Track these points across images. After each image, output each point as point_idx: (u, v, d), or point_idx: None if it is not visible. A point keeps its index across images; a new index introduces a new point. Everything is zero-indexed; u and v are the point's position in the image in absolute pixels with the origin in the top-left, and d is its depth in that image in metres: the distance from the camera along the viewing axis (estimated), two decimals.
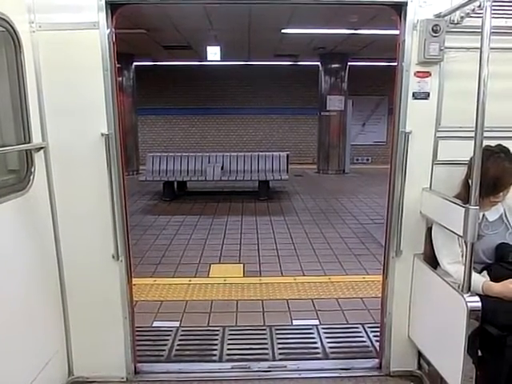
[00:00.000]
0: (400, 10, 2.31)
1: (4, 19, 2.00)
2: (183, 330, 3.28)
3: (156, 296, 3.91)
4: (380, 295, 2.76)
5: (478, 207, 1.86)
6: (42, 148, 2.30)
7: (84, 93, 2.32)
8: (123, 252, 2.48)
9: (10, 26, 2.05)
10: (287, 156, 9.00)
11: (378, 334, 2.80)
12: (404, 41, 2.31)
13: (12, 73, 2.13)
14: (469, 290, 1.95)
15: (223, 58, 9.79)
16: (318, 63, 12.12)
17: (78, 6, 2.23)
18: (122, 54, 10.35)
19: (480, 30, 1.76)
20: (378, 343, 2.84)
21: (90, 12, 2.23)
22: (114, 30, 2.32)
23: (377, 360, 2.79)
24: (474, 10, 2.01)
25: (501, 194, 2.18)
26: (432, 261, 2.41)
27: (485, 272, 2.21)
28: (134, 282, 2.72)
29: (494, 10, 1.83)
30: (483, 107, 1.78)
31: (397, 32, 2.38)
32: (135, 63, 12.10)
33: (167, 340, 3.11)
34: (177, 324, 3.39)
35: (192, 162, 8.89)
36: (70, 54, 2.27)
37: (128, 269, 2.56)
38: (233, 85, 14.06)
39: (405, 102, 2.35)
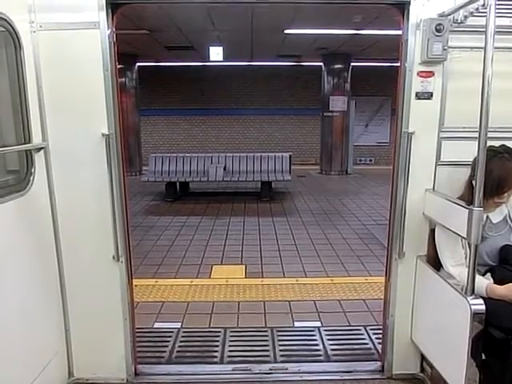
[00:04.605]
0: (403, 9, 2.29)
1: (4, 19, 1.99)
2: (184, 332, 3.26)
3: (157, 297, 3.90)
4: (382, 297, 2.74)
5: (481, 208, 1.84)
6: (42, 148, 2.29)
7: (85, 93, 2.31)
8: (124, 253, 2.46)
9: (10, 25, 2.05)
10: (290, 157, 8.98)
11: (381, 336, 2.78)
12: (407, 40, 2.29)
13: (12, 73, 2.13)
14: (472, 292, 1.93)
15: (226, 58, 9.78)
16: (321, 64, 12.10)
17: (79, 5, 2.22)
18: (125, 54, 10.39)
19: (484, 30, 1.74)
20: (380, 346, 2.81)
21: (90, 12, 2.22)
22: (114, 29, 2.31)
23: (379, 363, 2.76)
24: (477, 8, 1.98)
25: (505, 194, 2.15)
26: (435, 263, 2.38)
27: (488, 274, 2.19)
28: (135, 283, 2.71)
29: (499, 9, 1.81)
30: (487, 107, 1.76)
31: (400, 32, 2.36)
32: (138, 64, 12.11)
33: (168, 341, 3.09)
34: (178, 325, 3.37)
35: (194, 163, 8.88)
36: (71, 53, 2.26)
37: (128, 270, 2.54)
38: (235, 85, 14.06)
39: (408, 102, 2.33)
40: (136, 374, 2.68)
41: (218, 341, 3.11)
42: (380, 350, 2.80)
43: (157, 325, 3.40)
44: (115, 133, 2.34)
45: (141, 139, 12.87)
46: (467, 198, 2.14)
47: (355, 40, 9.23)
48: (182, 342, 3.11)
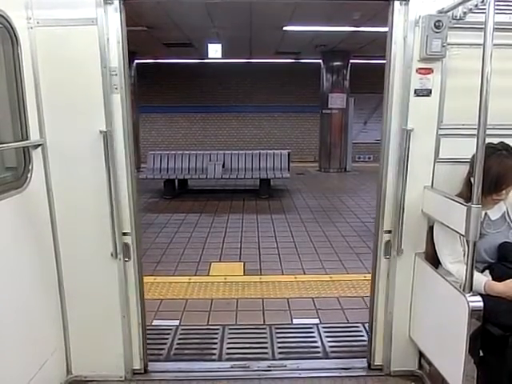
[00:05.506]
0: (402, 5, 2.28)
1: (1, 15, 1.98)
2: (183, 329, 3.26)
3: (156, 294, 3.90)
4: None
5: (480, 206, 1.83)
6: (39, 145, 2.28)
7: (82, 89, 2.30)
8: (122, 250, 2.46)
9: (8, 22, 2.04)
10: (288, 154, 8.98)
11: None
12: (406, 37, 2.28)
13: (9, 69, 2.12)
14: (470, 289, 1.92)
15: (224, 55, 9.76)
16: (320, 61, 12.09)
17: (76, 2, 2.21)
18: None
19: (483, 26, 1.74)
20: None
21: (88, 8, 2.20)
22: None
23: None
24: (476, 5, 1.98)
25: (503, 191, 2.15)
26: (433, 260, 2.38)
27: (487, 271, 2.19)
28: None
29: (498, 5, 1.81)
30: (486, 104, 1.75)
31: None
32: (136, 61, 12.07)
33: (167, 339, 3.09)
34: (176, 322, 3.37)
35: (193, 160, 8.87)
36: (69, 50, 2.25)
37: (127, 267, 2.53)
38: (234, 82, 14.03)
39: (406, 99, 2.33)
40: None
41: (216, 338, 3.11)
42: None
43: (155, 322, 3.39)
44: (113, 130, 2.33)
45: (139, 137, 12.84)
46: (466, 195, 2.14)
47: (354, 37, 9.22)
48: (180, 339, 3.11)
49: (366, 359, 2.76)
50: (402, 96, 2.34)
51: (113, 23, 2.25)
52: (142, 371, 2.66)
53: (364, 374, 2.69)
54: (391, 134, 2.41)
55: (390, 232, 2.52)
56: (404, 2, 2.26)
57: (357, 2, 5.81)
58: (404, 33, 2.28)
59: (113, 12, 2.24)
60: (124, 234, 2.46)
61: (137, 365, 2.64)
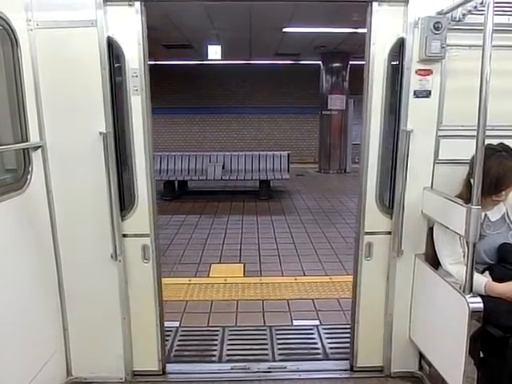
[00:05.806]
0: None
1: (1, 17, 1.99)
2: (183, 330, 3.26)
3: None
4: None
5: (479, 207, 1.84)
6: (39, 147, 2.29)
7: (82, 91, 2.30)
8: (121, 252, 2.46)
9: (7, 23, 2.04)
10: (288, 155, 8.99)
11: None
12: (405, 38, 2.28)
13: (9, 71, 2.12)
14: (470, 290, 1.93)
15: (224, 56, 9.77)
16: (320, 62, 12.11)
17: (76, 4, 2.21)
18: None
19: (482, 28, 1.74)
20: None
21: (87, 10, 2.21)
22: None
23: None
24: (476, 7, 1.98)
25: (503, 193, 2.15)
26: (433, 261, 2.38)
27: (487, 272, 2.19)
28: None
29: (497, 7, 1.81)
30: (485, 105, 1.75)
31: None
32: None
33: (167, 340, 3.07)
34: (176, 324, 3.37)
35: (193, 162, 8.88)
36: (68, 52, 2.25)
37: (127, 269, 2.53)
38: (234, 84, 14.06)
39: (406, 100, 2.33)
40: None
41: (216, 339, 3.11)
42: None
43: None
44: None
45: None
46: (465, 196, 2.14)
47: (354, 38, 9.21)
48: (180, 340, 3.11)
49: (348, 361, 2.75)
50: (384, 96, 2.35)
51: (134, 25, 2.25)
52: (161, 372, 2.68)
53: (364, 375, 2.68)
54: (371, 135, 2.41)
55: (370, 234, 2.52)
56: (382, 3, 2.26)
57: (351, 4, 5.80)
58: (404, 33, 2.28)
59: (134, 14, 2.25)
60: (142, 235, 2.48)
61: (155, 366, 2.66)
